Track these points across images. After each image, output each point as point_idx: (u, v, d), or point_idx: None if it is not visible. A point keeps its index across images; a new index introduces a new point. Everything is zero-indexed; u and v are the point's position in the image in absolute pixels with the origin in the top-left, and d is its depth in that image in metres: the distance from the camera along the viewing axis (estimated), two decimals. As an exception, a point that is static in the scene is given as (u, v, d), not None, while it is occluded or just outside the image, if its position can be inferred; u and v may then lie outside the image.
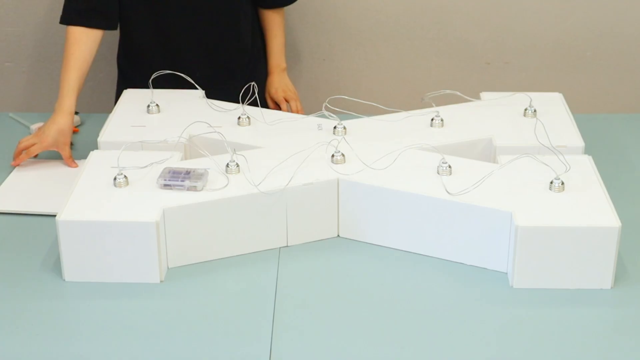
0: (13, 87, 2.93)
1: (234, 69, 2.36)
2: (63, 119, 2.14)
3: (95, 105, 2.90)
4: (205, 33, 2.19)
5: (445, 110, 2.13)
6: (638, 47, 2.88)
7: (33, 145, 2.12)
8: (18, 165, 2.13)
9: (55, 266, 1.79)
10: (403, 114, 2.11)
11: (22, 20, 2.83)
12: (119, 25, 2.34)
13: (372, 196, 1.84)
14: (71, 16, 2.21)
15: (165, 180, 1.82)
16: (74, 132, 2.33)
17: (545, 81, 2.92)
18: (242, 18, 2.33)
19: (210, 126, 2.02)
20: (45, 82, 2.92)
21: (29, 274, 1.78)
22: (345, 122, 2.06)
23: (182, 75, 2.12)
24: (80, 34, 2.20)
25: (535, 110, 2.12)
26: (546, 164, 1.83)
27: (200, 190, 1.81)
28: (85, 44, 2.20)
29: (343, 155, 1.91)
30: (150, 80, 2.10)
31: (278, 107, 2.43)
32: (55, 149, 2.13)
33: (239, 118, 2.10)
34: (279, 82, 2.44)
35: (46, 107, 2.94)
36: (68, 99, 2.15)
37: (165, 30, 2.21)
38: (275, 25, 2.43)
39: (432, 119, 2.08)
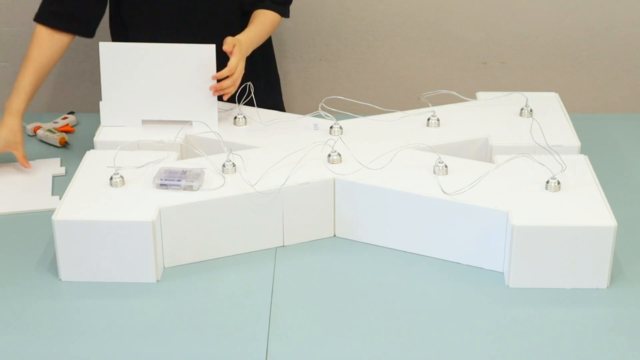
0: (9, 87, 2.92)
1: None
2: (12, 120, 2.11)
3: (92, 105, 2.89)
4: (202, 38, 2.16)
5: (441, 110, 2.13)
6: (634, 47, 2.88)
7: None
8: None
9: (51, 266, 1.79)
10: (399, 114, 2.11)
11: (18, 20, 2.82)
12: (115, 29, 2.33)
13: (368, 196, 1.84)
14: (45, 16, 2.17)
15: (161, 179, 1.82)
16: (70, 131, 2.34)
17: (541, 81, 2.93)
18: (237, 26, 2.32)
19: (207, 126, 2.02)
20: (41, 81, 2.91)
21: (25, 274, 1.78)
22: (342, 122, 2.06)
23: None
24: (46, 36, 2.16)
25: (531, 110, 2.12)
26: (542, 164, 1.83)
27: (196, 190, 1.81)
28: (49, 47, 2.16)
29: (339, 155, 1.91)
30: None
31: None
32: (8, 150, 2.11)
33: (235, 118, 2.10)
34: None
35: (42, 107, 2.93)
36: (17, 100, 2.13)
37: (162, 36, 2.19)
38: (255, 20, 2.25)
39: (429, 119, 2.09)
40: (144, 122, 2.09)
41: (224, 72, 2.04)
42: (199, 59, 2.04)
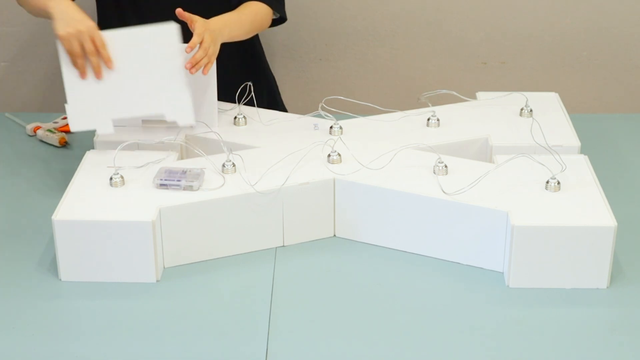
0: (9, 87, 2.93)
1: (229, 72, 2.33)
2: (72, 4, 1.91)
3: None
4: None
5: (441, 110, 2.13)
6: (634, 47, 2.88)
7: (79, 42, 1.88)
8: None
9: (51, 266, 1.79)
10: (399, 114, 2.11)
11: (18, 20, 2.82)
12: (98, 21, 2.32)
13: (368, 196, 1.84)
14: None
15: (161, 179, 1.82)
16: (69, 132, 2.33)
17: (541, 81, 2.93)
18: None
19: (207, 126, 2.02)
20: (41, 81, 2.92)
21: (25, 274, 1.78)
22: (342, 122, 2.06)
23: None
24: None
25: (531, 110, 2.12)
26: (542, 164, 1.83)
27: (196, 190, 1.81)
28: None
29: (339, 155, 1.91)
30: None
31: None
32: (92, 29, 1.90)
33: (235, 118, 2.10)
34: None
35: (42, 107, 2.94)
36: None
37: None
38: (239, 7, 2.13)
39: (428, 119, 2.09)
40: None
41: (194, 41, 1.91)
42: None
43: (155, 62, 1.92)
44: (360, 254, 1.85)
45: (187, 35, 1.97)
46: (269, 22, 2.22)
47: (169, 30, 1.89)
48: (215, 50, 1.98)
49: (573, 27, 2.85)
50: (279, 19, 2.27)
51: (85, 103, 1.93)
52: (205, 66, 1.95)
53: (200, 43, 1.94)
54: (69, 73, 1.91)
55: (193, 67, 1.92)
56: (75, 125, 1.94)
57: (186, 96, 1.94)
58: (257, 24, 2.17)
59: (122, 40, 1.91)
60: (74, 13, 1.91)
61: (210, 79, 2.04)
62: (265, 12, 2.18)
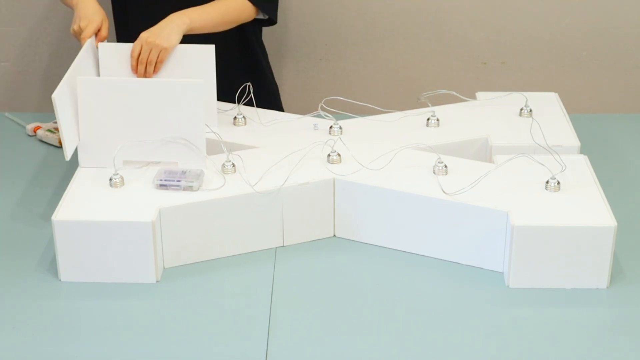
0: (9, 87, 2.93)
1: (230, 71, 2.34)
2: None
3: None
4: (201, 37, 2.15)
5: (441, 110, 2.13)
6: (634, 47, 2.88)
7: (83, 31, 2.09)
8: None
9: (51, 266, 1.79)
10: (399, 114, 2.11)
11: (18, 20, 2.82)
12: (115, 27, 2.33)
13: (368, 196, 1.84)
14: None
15: (161, 180, 1.82)
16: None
17: (541, 81, 2.93)
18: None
19: (207, 126, 2.02)
20: (41, 81, 2.92)
21: (25, 274, 1.78)
22: (342, 122, 2.06)
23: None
24: None
25: (531, 110, 2.12)
26: (542, 164, 1.83)
27: (196, 190, 1.81)
28: None
29: (339, 155, 1.91)
30: None
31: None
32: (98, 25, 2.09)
33: (235, 118, 2.10)
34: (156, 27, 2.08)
35: (42, 107, 2.94)
36: None
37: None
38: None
39: (428, 119, 2.09)
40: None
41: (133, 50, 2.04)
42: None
43: (176, 114, 1.89)
44: (360, 254, 1.85)
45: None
46: (249, 16, 2.18)
47: (196, 85, 1.88)
48: (158, 45, 2.02)
49: (573, 27, 2.85)
50: (268, 21, 2.25)
51: (97, 142, 1.91)
52: (146, 70, 2.04)
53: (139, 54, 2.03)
54: (84, 111, 1.90)
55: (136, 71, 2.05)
56: (85, 161, 1.92)
57: (203, 149, 1.91)
58: (230, 16, 2.15)
59: (146, 88, 1.90)
60: (86, 9, 2.10)
61: (209, 80, 2.04)
62: (241, 6, 2.15)
